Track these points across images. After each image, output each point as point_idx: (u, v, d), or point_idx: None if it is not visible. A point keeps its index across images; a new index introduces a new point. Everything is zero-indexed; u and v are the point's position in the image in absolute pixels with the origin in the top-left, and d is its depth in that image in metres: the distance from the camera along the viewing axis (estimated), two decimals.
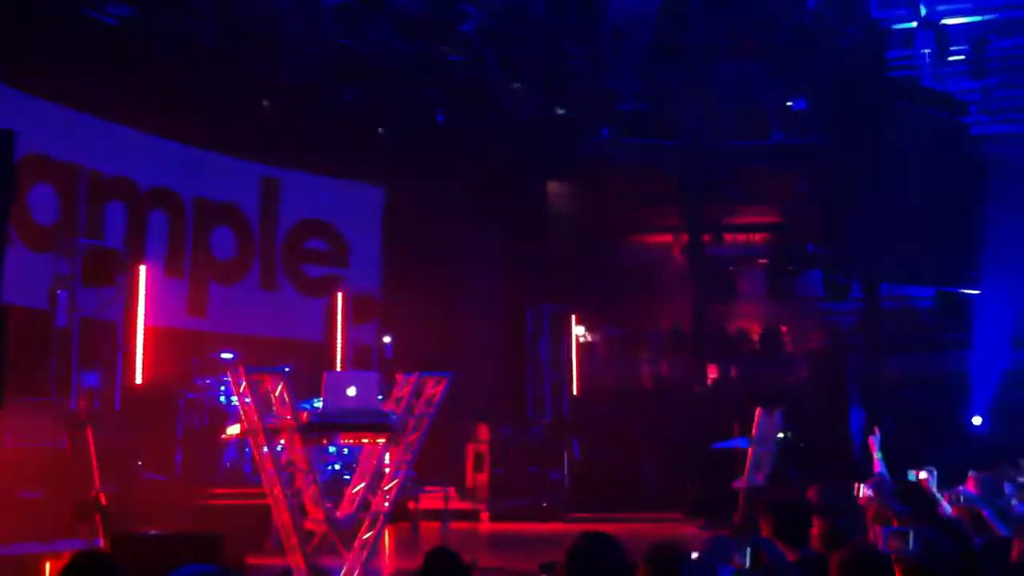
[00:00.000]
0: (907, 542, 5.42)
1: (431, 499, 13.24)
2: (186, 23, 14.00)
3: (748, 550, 5.37)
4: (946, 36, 19.59)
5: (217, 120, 15.02)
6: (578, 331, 17.93)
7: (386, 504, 9.74)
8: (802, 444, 13.87)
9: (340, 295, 15.81)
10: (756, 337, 19.84)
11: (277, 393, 9.19)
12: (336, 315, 15.68)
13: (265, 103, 15.53)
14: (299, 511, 9.15)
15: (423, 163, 16.86)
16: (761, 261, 19.82)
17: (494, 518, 14.07)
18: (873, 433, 9.81)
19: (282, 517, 9.19)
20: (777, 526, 5.74)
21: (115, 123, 14.23)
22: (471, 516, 13.89)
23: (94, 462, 9.70)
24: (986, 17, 20.13)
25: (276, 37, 14.79)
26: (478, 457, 14.45)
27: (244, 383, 9.12)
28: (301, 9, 14.94)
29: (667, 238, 20.28)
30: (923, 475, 9.93)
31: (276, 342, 15.10)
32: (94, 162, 13.93)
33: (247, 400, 9.17)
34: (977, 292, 18.32)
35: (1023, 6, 19.98)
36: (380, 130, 16.70)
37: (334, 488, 10.35)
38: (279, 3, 14.77)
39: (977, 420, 17.78)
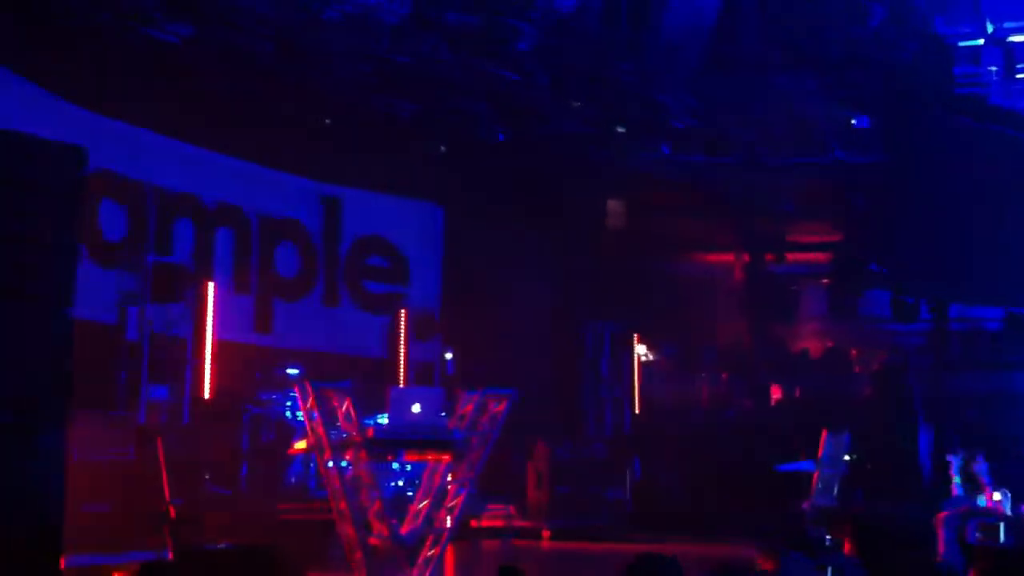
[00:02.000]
0: (998, 534, 5.36)
1: (492, 516, 13.18)
2: (247, 42, 14.16)
3: (829, 569, 5.30)
4: (1013, 53, 19.29)
5: (279, 138, 15.18)
6: (639, 350, 17.80)
7: (450, 521, 9.72)
8: (869, 466, 13.61)
9: (403, 312, 15.87)
10: (818, 356, 19.57)
11: (343, 409, 9.22)
12: (399, 332, 15.74)
13: (327, 121, 15.65)
14: (364, 526, 9.16)
15: (482, 181, 16.89)
16: (823, 280, 19.60)
17: (555, 537, 13.96)
18: (954, 454, 9.69)
19: (347, 532, 9.21)
20: (861, 547, 5.64)
21: (180, 140, 14.44)
22: (532, 534, 13.79)
23: (164, 475, 9.77)
24: None
25: (336, 57, 14.91)
26: (539, 475, 14.36)
27: (311, 398, 9.17)
28: (360, 29, 15.06)
29: (728, 256, 20.13)
30: (997, 496, 9.76)
31: (338, 358, 15.19)
32: (160, 179, 14.14)
33: (314, 415, 9.21)
34: None
35: None
36: (441, 148, 16.75)
37: (397, 504, 10.32)
38: (337, 22, 14.89)
39: None
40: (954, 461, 10.82)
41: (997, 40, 19.44)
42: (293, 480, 12.62)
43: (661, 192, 19.38)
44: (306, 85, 15.11)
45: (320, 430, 9.23)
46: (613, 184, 19.07)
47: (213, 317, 13.08)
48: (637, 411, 17.18)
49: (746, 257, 19.78)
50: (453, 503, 9.82)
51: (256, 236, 15.36)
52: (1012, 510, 9.46)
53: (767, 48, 18.19)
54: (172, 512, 9.67)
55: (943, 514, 6.80)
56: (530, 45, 16.28)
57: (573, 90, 17.06)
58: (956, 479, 10.54)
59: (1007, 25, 19.83)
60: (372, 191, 16.69)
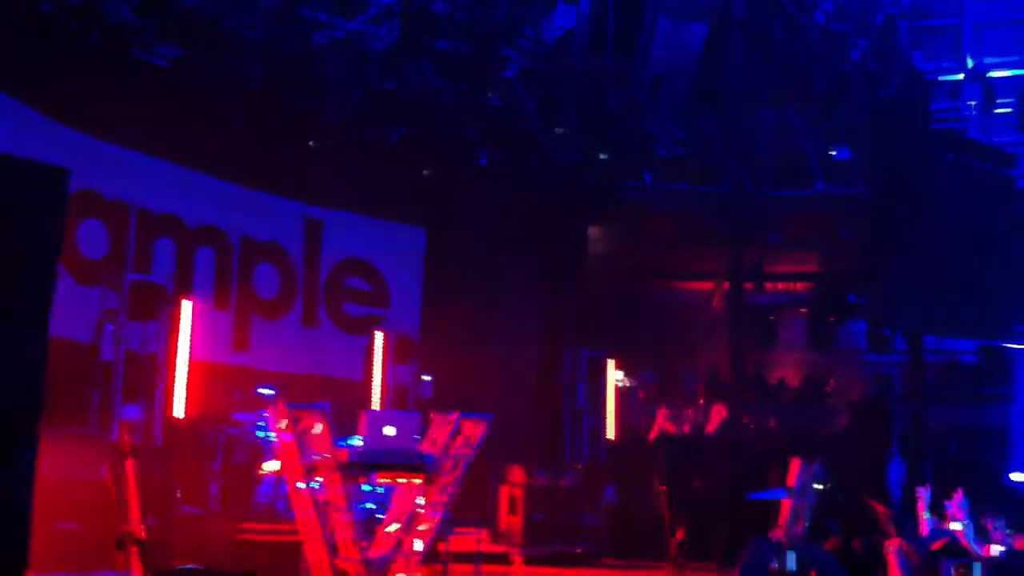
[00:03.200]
0: (972, 574, 5.48)
1: (463, 541, 13.17)
2: (233, 64, 14.28)
3: (791, 553, 5.52)
4: (992, 88, 19.55)
5: (263, 160, 15.24)
6: (616, 376, 17.84)
7: (420, 545, 9.75)
8: (841, 496, 13.66)
9: (381, 334, 15.88)
10: (796, 386, 19.67)
11: (317, 431, 9.26)
12: (377, 354, 15.73)
13: (310, 143, 15.74)
14: (333, 549, 9.18)
15: (464, 205, 16.98)
16: (802, 310, 19.72)
17: (527, 562, 13.96)
18: (924, 486, 9.85)
19: (316, 555, 9.22)
20: None
21: (164, 161, 14.50)
22: (503, 560, 13.79)
23: (134, 495, 9.80)
24: None
25: (321, 79, 15.04)
26: (512, 500, 14.34)
27: (285, 420, 9.21)
28: (346, 52, 15.20)
29: (708, 285, 20.24)
30: (958, 526, 9.92)
31: (315, 379, 15.19)
32: (143, 199, 14.22)
33: (287, 437, 9.25)
34: (1022, 347, 18.09)
35: None
36: (424, 172, 16.85)
37: (367, 527, 10.34)
38: (325, 46, 15.03)
39: (1018, 476, 17.51)
40: (924, 494, 10.93)
41: (977, 75, 19.74)
42: (263, 501, 12.62)
43: (646, 220, 19.52)
44: (293, 108, 15.22)
45: (293, 451, 9.27)
46: (598, 211, 19.18)
47: (190, 336, 13.08)
48: (614, 437, 17.21)
49: (726, 285, 19.89)
50: (424, 527, 9.86)
51: (236, 256, 15.40)
52: (976, 541, 9.57)
53: (753, 80, 18.42)
54: (143, 532, 9.69)
55: (894, 542, 6.89)
56: (517, 72, 16.45)
57: (559, 117, 17.20)
58: (926, 513, 10.65)
59: (987, 60, 20.15)
60: (355, 213, 16.75)
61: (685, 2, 17.74)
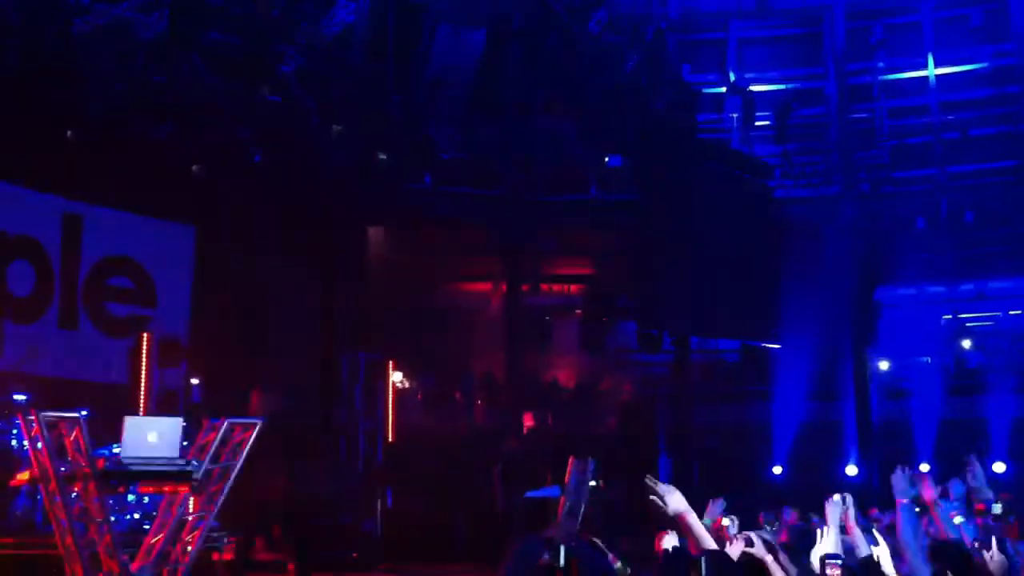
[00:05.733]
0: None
1: (236, 550, 12.76)
2: None
3: (561, 548, 5.55)
4: (753, 102, 20.60)
5: (19, 151, 14.26)
6: (395, 377, 17.73)
7: (186, 555, 9.40)
8: (612, 494, 14.07)
9: (146, 336, 15.12)
10: (569, 386, 20.11)
11: (71, 438, 8.80)
12: (141, 357, 14.96)
13: (70, 135, 14.83)
14: (93, 563, 8.75)
15: (237, 204, 16.42)
16: (576, 312, 20.19)
17: (302, 569, 13.65)
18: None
19: (74, 569, 8.76)
20: None
21: None
22: (277, 568, 13.44)
23: None
24: (789, 86, 21.38)
25: (86, 69, 14.25)
26: (288, 507, 14.04)
27: (36, 427, 8.72)
28: (113, 42, 14.46)
29: (486, 286, 20.43)
30: (725, 522, 10.36)
31: (76, 384, 14.35)
32: None
33: (39, 445, 8.77)
34: (778, 346, 19.10)
35: (822, 77, 21.35)
36: (194, 168, 16.16)
37: (134, 538, 9.84)
38: (90, 35, 14.26)
39: (777, 469, 18.55)
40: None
41: (738, 89, 20.78)
42: (19, 513, 11.82)
43: (424, 223, 19.50)
44: (51, 98, 14.33)
45: (45, 461, 8.76)
46: (377, 213, 19.03)
47: None
48: (391, 440, 17.09)
49: (503, 287, 20.13)
50: (191, 536, 9.50)
51: None
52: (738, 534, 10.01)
53: (531, 88, 18.72)
54: None
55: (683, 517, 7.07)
56: (294, 68, 16.09)
57: (338, 117, 16.93)
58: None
59: (748, 75, 21.27)
60: (119, 209, 15.89)
61: (463, 8, 17.82)
